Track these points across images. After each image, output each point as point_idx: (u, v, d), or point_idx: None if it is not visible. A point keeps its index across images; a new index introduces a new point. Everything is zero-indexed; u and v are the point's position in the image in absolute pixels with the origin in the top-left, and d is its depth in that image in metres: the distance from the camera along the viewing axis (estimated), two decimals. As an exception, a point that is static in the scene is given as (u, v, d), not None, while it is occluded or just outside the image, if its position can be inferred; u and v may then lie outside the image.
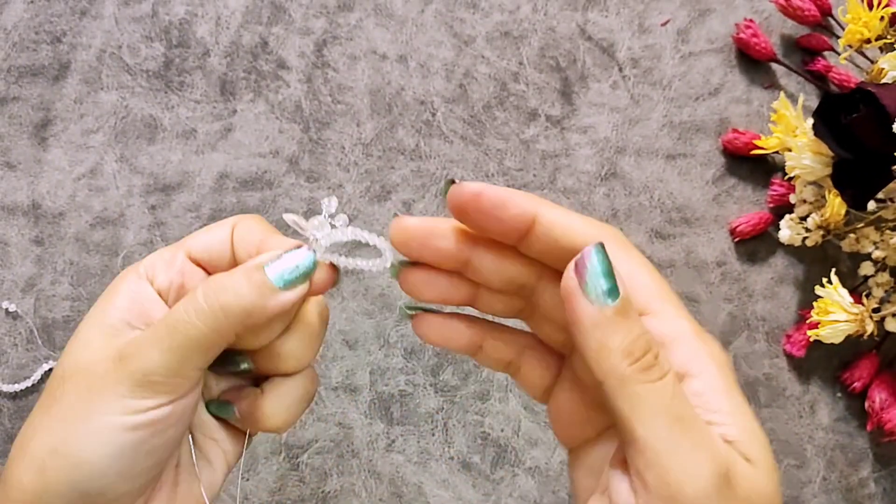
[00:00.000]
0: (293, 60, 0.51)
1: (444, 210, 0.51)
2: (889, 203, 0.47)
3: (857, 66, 0.51)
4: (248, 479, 0.48)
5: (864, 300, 0.47)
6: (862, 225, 0.48)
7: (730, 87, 0.53)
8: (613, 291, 0.25)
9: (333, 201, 0.30)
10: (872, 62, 0.48)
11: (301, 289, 0.29)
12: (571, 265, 0.25)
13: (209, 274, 0.30)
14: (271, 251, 0.30)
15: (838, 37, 0.48)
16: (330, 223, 0.30)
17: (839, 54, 0.48)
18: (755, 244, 0.52)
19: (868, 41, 0.46)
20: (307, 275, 0.29)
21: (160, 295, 0.29)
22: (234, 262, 0.30)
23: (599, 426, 0.29)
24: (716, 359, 0.27)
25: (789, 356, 0.51)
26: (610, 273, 0.25)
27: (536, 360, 0.30)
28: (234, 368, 0.30)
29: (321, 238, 0.30)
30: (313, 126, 0.51)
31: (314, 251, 0.30)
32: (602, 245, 0.26)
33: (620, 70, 0.52)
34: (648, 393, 0.25)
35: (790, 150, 0.48)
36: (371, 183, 0.51)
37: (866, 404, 0.50)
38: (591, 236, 0.26)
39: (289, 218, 0.30)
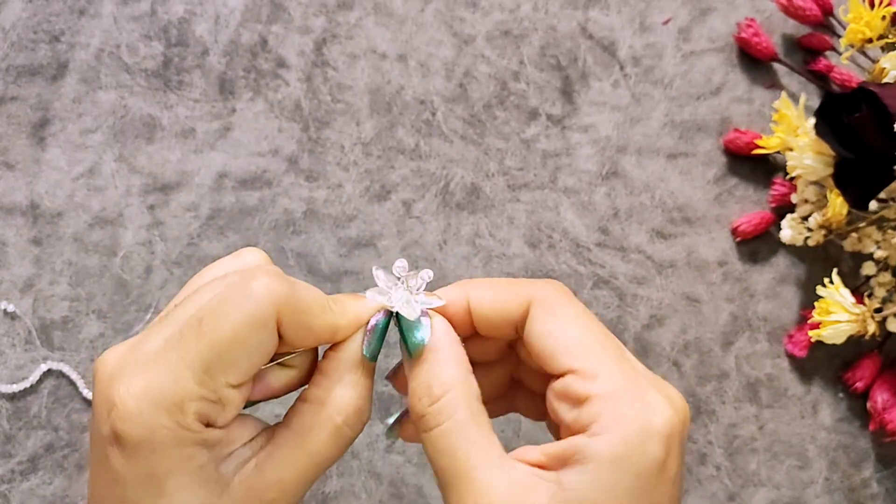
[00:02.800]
0: (292, 59, 0.51)
1: (442, 209, 0.51)
2: (891, 203, 0.47)
3: (859, 66, 0.51)
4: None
5: (866, 300, 0.47)
6: (864, 225, 0.48)
7: (731, 86, 0.52)
8: (407, 347, 0.30)
9: (401, 265, 0.31)
10: (874, 62, 0.48)
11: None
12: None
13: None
14: (359, 333, 0.30)
15: (840, 36, 0.48)
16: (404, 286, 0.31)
17: (841, 54, 0.48)
18: (757, 244, 0.52)
19: (870, 41, 0.46)
20: (385, 334, 0.31)
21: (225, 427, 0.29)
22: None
23: None
24: (622, 424, 0.27)
25: (791, 356, 0.51)
26: (404, 334, 0.30)
27: (523, 393, 0.34)
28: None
29: (397, 304, 0.30)
30: (313, 125, 0.51)
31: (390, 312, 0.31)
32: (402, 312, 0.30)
33: (622, 69, 0.52)
34: (423, 443, 0.29)
35: (792, 150, 0.48)
36: (371, 182, 0.51)
37: (868, 404, 0.50)
38: (519, 306, 0.30)
39: (372, 296, 0.31)
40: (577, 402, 0.28)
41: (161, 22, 0.51)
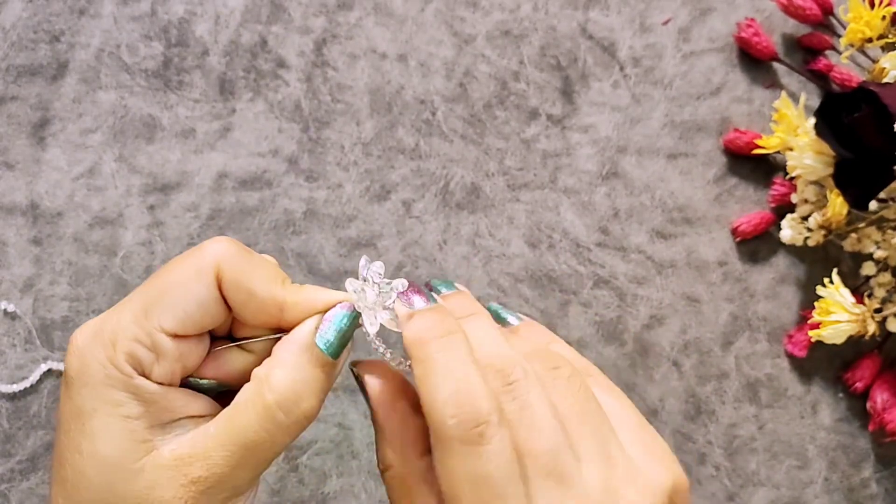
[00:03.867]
0: (292, 59, 0.51)
1: (442, 209, 0.51)
2: (891, 203, 0.47)
3: (859, 66, 0.51)
4: (247, 480, 0.48)
5: (866, 300, 0.47)
6: (864, 225, 0.48)
7: (731, 86, 0.52)
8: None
9: (376, 266, 0.30)
10: (874, 61, 0.48)
11: (349, 349, 0.30)
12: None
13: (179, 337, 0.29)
14: (312, 319, 0.29)
15: (840, 36, 0.48)
16: (365, 284, 0.29)
17: (841, 53, 0.48)
18: (757, 244, 0.52)
19: (870, 40, 0.46)
20: (351, 334, 0.30)
21: (161, 384, 0.28)
22: (225, 313, 0.29)
23: None
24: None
25: (791, 356, 0.51)
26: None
27: None
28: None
29: (358, 298, 0.29)
30: (313, 125, 0.51)
31: (354, 308, 0.30)
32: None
33: (621, 69, 0.52)
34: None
35: (792, 150, 0.48)
36: (371, 182, 0.51)
37: (868, 405, 0.50)
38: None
39: (350, 288, 0.29)
40: None
41: (161, 22, 0.51)
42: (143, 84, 0.50)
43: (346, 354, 0.30)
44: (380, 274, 0.29)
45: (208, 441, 0.27)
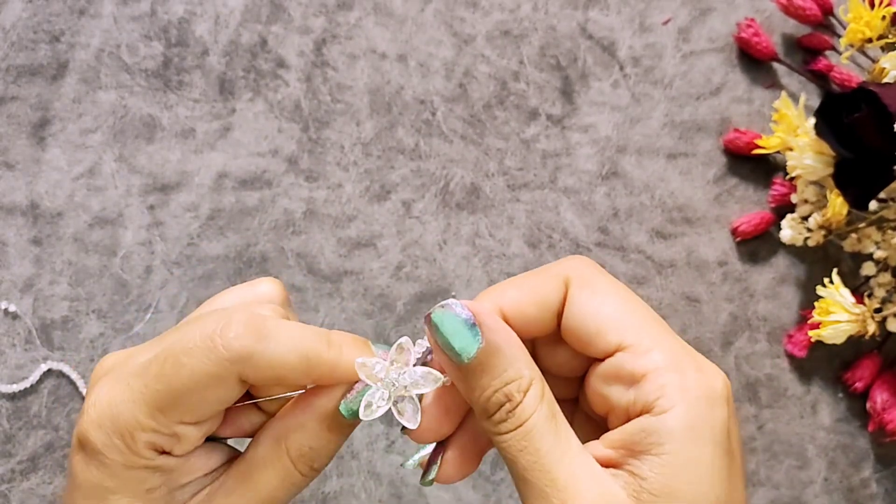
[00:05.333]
0: (292, 59, 0.51)
1: (442, 209, 0.51)
2: (891, 203, 0.47)
3: (859, 66, 0.51)
4: (247, 480, 0.48)
5: (866, 300, 0.47)
6: (864, 225, 0.48)
7: (731, 86, 0.52)
8: (454, 354, 0.26)
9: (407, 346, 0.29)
10: (874, 61, 0.48)
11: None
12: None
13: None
14: (339, 388, 0.28)
15: (840, 36, 0.48)
16: (394, 365, 0.28)
17: (841, 54, 0.48)
18: (756, 244, 0.52)
19: (869, 40, 0.46)
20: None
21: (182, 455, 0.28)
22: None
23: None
24: (689, 393, 0.26)
25: (791, 356, 0.51)
26: (447, 343, 0.26)
27: None
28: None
29: (385, 380, 0.28)
30: (312, 125, 0.51)
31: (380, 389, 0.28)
32: (435, 314, 0.26)
33: (621, 69, 0.52)
34: (501, 444, 0.26)
35: (792, 150, 0.48)
36: (371, 182, 0.51)
37: (868, 405, 0.50)
38: (556, 292, 0.27)
39: (361, 367, 0.28)
40: (633, 380, 0.26)
41: (161, 22, 0.51)
42: (143, 84, 0.50)
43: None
44: (417, 356, 0.28)
45: (226, 496, 0.28)
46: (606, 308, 0.27)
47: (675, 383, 0.25)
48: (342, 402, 0.28)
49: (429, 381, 0.28)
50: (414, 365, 0.28)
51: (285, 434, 0.28)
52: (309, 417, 0.28)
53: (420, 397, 0.28)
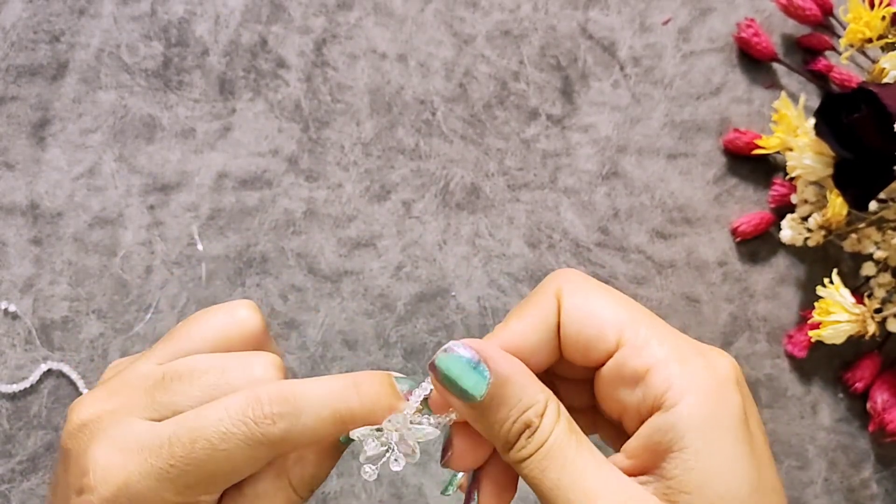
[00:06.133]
0: (292, 59, 0.51)
1: (442, 209, 0.51)
2: (891, 203, 0.47)
3: (859, 66, 0.51)
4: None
5: (866, 301, 0.47)
6: (863, 225, 0.48)
7: (731, 86, 0.52)
8: (465, 395, 0.26)
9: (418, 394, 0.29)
10: (874, 62, 0.48)
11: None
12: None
13: None
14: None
15: (840, 36, 0.48)
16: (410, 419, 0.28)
17: (840, 54, 0.48)
18: (756, 244, 0.52)
19: (869, 41, 0.46)
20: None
21: None
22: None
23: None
24: (696, 382, 0.25)
25: (791, 357, 0.51)
26: (456, 385, 0.26)
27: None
28: None
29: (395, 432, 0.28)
30: (312, 125, 0.51)
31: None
32: (439, 359, 0.26)
33: (621, 69, 0.52)
34: (524, 471, 0.26)
35: (791, 150, 0.48)
36: (371, 182, 0.51)
37: (868, 405, 0.50)
38: (552, 314, 0.27)
39: (360, 436, 0.28)
40: (636, 378, 0.26)
41: (161, 22, 0.51)
42: (143, 84, 0.50)
43: None
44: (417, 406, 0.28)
45: None
46: (599, 308, 0.27)
47: (681, 374, 0.25)
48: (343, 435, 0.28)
49: (429, 431, 0.28)
50: (420, 402, 0.28)
51: (285, 468, 0.28)
52: (308, 451, 0.29)
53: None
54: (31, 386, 0.48)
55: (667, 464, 0.25)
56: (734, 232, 0.51)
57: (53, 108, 0.50)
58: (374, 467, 0.28)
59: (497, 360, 0.26)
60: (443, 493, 0.30)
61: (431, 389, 0.28)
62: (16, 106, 0.50)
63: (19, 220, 0.49)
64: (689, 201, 0.52)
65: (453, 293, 0.50)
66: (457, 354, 0.26)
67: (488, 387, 0.26)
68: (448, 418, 0.28)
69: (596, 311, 0.27)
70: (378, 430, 0.28)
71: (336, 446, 0.29)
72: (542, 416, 0.26)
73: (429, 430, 0.28)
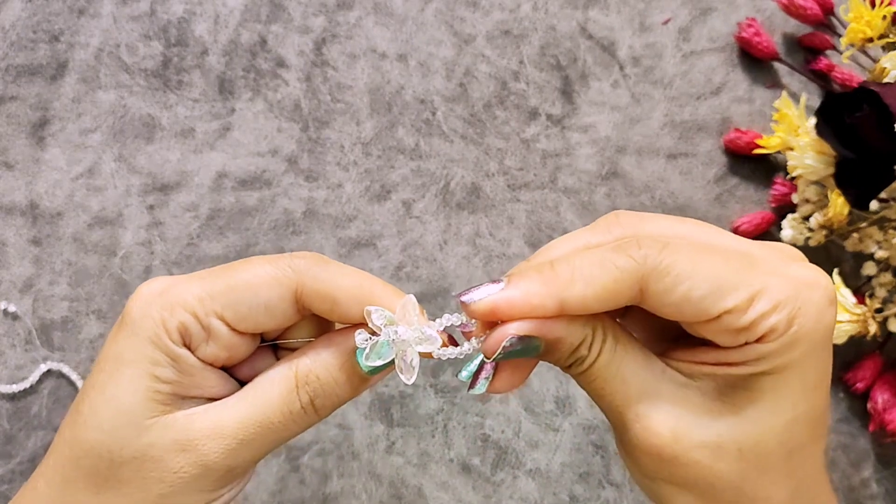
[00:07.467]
0: (292, 59, 0.51)
1: (442, 209, 0.50)
2: (892, 202, 0.47)
3: (860, 65, 0.51)
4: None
5: (867, 300, 0.47)
6: (865, 225, 0.48)
7: (732, 86, 0.52)
8: (527, 353, 0.28)
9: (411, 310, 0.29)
10: (875, 61, 0.48)
11: (383, 374, 0.30)
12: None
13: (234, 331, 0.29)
14: (362, 335, 0.29)
15: (841, 36, 0.48)
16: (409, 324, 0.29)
17: (842, 53, 0.48)
18: (757, 244, 0.52)
19: (870, 40, 0.46)
20: (392, 368, 0.29)
21: (201, 361, 0.29)
22: (294, 315, 0.29)
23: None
24: (804, 316, 0.27)
25: (791, 357, 0.51)
26: (513, 354, 0.28)
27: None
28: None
29: (402, 335, 0.29)
30: (312, 125, 0.51)
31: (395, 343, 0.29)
32: (497, 356, 0.27)
33: (621, 69, 0.52)
34: (576, 380, 0.29)
35: (792, 150, 0.48)
36: (371, 182, 0.50)
37: (869, 405, 0.50)
38: (630, 290, 0.27)
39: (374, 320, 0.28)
40: (740, 331, 0.27)
41: (161, 22, 0.51)
42: (143, 84, 0.50)
43: (378, 378, 0.30)
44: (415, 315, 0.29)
45: (224, 412, 0.28)
46: (693, 285, 0.26)
47: (784, 315, 0.26)
48: (360, 353, 0.29)
49: (431, 342, 0.28)
50: (440, 332, 0.29)
51: (298, 357, 0.29)
52: (324, 346, 0.29)
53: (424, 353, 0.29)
54: (31, 386, 0.48)
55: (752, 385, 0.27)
56: (735, 231, 0.51)
57: (53, 107, 0.50)
58: (469, 371, 0.29)
59: (548, 330, 0.27)
60: (457, 375, 0.30)
61: (462, 322, 0.29)
62: (15, 106, 0.50)
63: (19, 220, 0.49)
64: (690, 201, 0.52)
65: (454, 293, 0.50)
66: (515, 344, 0.27)
67: (543, 346, 0.27)
68: (477, 342, 0.29)
69: (687, 294, 0.26)
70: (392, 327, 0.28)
71: (351, 363, 0.29)
72: (590, 346, 0.28)
73: (424, 341, 0.28)
